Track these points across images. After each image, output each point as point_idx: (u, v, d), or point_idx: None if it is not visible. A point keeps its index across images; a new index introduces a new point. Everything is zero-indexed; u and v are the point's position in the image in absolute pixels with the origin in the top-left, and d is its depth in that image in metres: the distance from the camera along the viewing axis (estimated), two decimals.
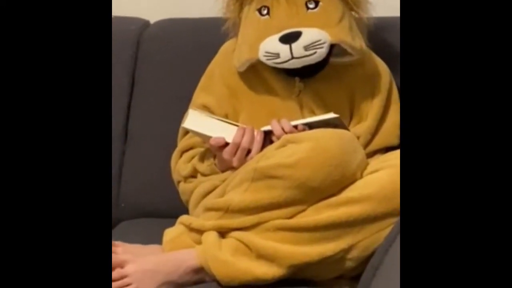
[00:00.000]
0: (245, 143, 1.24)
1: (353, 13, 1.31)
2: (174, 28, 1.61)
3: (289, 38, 1.22)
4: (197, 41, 1.55)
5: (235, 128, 1.26)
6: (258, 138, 1.25)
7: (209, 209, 1.20)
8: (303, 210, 1.15)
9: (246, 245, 1.15)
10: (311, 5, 1.26)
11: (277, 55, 1.23)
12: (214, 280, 1.15)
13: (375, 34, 1.38)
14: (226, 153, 1.25)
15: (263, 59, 1.25)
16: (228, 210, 1.17)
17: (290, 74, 1.31)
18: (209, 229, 1.18)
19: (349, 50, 1.28)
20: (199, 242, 1.18)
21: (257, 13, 1.28)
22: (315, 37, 1.23)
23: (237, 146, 1.24)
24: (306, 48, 1.22)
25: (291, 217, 1.15)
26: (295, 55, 1.22)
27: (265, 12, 1.27)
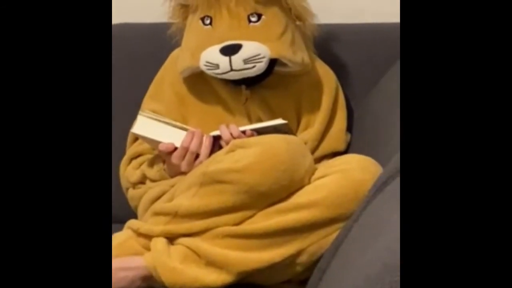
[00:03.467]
0: (193, 147, 1.24)
1: (298, 23, 1.32)
2: (126, 33, 1.60)
3: (229, 50, 1.23)
4: (149, 47, 1.55)
5: (184, 132, 1.26)
6: (207, 142, 1.25)
7: (157, 213, 1.19)
8: (252, 216, 1.14)
9: (195, 252, 1.14)
10: (254, 19, 1.26)
11: (216, 66, 1.24)
12: (163, 287, 1.14)
13: (320, 41, 1.40)
14: (174, 157, 1.25)
15: (204, 68, 1.26)
16: (176, 215, 1.16)
17: (235, 82, 1.31)
18: (157, 235, 1.17)
19: (289, 64, 1.29)
20: (147, 247, 1.17)
21: (200, 22, 1.28)
22: (254, 51, 1.23)
23: (186, 150, 1.24)
24: (245, 61, 1.23)
25: (240, 222, 1.14)
26: (234, 67, 1.23)
27: (208, 22, 1.28)
